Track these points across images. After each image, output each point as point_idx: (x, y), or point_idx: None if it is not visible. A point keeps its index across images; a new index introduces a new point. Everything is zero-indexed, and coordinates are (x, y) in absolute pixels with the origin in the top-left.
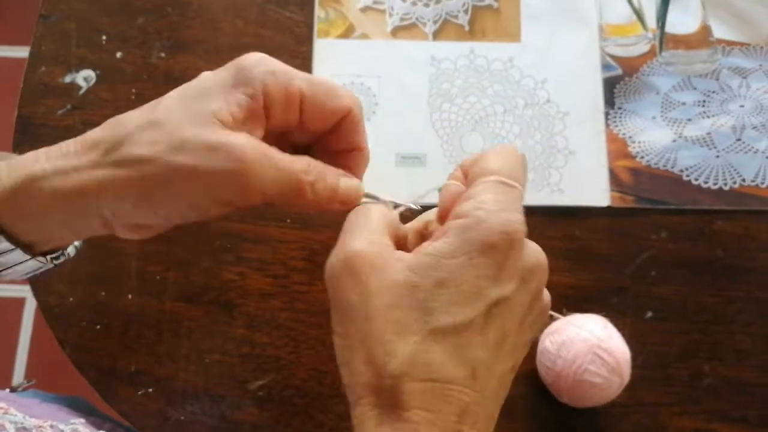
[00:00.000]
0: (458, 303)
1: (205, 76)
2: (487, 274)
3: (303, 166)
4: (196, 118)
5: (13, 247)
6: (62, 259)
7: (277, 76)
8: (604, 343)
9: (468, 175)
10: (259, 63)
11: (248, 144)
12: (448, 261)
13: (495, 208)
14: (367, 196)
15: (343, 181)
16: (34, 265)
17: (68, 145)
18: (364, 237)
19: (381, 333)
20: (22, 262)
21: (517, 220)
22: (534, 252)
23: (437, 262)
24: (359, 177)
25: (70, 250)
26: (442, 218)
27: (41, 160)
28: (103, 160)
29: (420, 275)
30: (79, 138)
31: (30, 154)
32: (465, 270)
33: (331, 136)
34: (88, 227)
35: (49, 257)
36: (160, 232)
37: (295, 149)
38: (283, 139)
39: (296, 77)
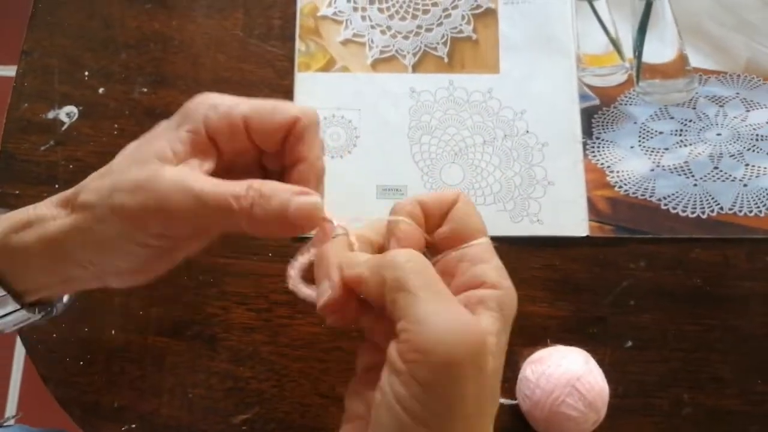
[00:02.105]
0: (499, 386)
1: (160, 124)
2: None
3: (236, 190)
4: (138, 160)
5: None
6: (53, 312)
7: (218, 108)
8: (584, 378)
9: (430, 222)
10: (201, 101)
11: (171, 177)
12: (500, 340)
13: (507, 274)
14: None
15: (297, 199)
16: (22, 316)
17: (54, 198)
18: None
19: (486, 429)
20: (10, 313)
21: None
22: None
23: (497, 342)
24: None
25: (59, 305)
26: None
27: (30, 209)
28: (68, 209)
29: (494, 359)
30: (61, 193)
31: (23, 209)
32: (504, 348)
33: (286, 152)
34: (74, 276)
35: (37, 309)
36: (149, 278)
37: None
38: (257, 167)
39: (239, 104)
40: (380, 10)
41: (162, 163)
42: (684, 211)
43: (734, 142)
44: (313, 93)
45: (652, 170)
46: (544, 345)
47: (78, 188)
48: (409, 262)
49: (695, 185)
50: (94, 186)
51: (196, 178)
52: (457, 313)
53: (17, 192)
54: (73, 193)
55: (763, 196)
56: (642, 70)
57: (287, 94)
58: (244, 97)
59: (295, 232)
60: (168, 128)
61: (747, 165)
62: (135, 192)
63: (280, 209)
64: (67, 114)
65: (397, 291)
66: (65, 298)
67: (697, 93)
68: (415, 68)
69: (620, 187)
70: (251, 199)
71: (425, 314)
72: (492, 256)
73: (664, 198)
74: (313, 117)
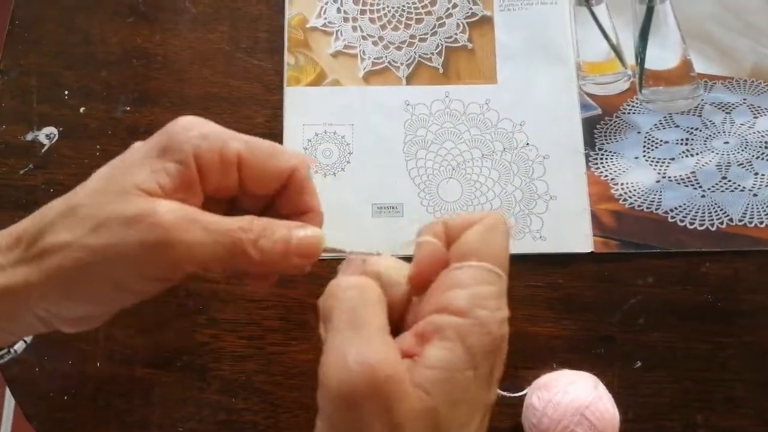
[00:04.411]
0: (468, 422)
1: (135, 147)
2: (486, 382)
3: (242, 223)
4: (118, 193)
5: None
6: (7, 357)
7: (209, 139)
8: (593, 405)
9: (451, 244)
10: (189, 127)
11: (171, 210)
12: (458, 376)
13: (494, 308)
14: (328, 250)
15: (298, 231)
16: None
17: (1, 237)
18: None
19: None
20: None
21: (507, 321)
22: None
23: (448, 378)
24: None
25: (18, 347)
26: (419, 279)
27: None
28: (25, 256)
29: (436, 398)
30: (6, 231)
31: None
32: (472, 384)
33: (280, 200)
34: (28, 327)
35: None
36: (105, 320)
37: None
38: (232, 206)
39: (232, 139)
40: (372, 20)
41: (148, 197)
42: (692, 224)
43: (742, 151)
44: (304, 108)
45: (658, 182)
46: (550, 368)
47: (37, 227)
48: (348, 290)
49: (703, 196)
50: (64, 224)
51: (195, 211)
52: (369, 348)
53: None
54: (31, 235)
55: None
56: (645, 77)
57: (276, 109)
58: (234, 132)
59: (295, 268)
60: (149, 156)
61: (756, 174)
62: (130, 226)
63: (284, 239)
64: (46, 135)
65: (325, 320)
66: (27, 339)
67: (702, 100)
68: (409, 80)
69: (625, 200)
70: (258, 231)
71: (332, 347)
72: (476, 283)
73: (671, 210)
74: (307, 164)
